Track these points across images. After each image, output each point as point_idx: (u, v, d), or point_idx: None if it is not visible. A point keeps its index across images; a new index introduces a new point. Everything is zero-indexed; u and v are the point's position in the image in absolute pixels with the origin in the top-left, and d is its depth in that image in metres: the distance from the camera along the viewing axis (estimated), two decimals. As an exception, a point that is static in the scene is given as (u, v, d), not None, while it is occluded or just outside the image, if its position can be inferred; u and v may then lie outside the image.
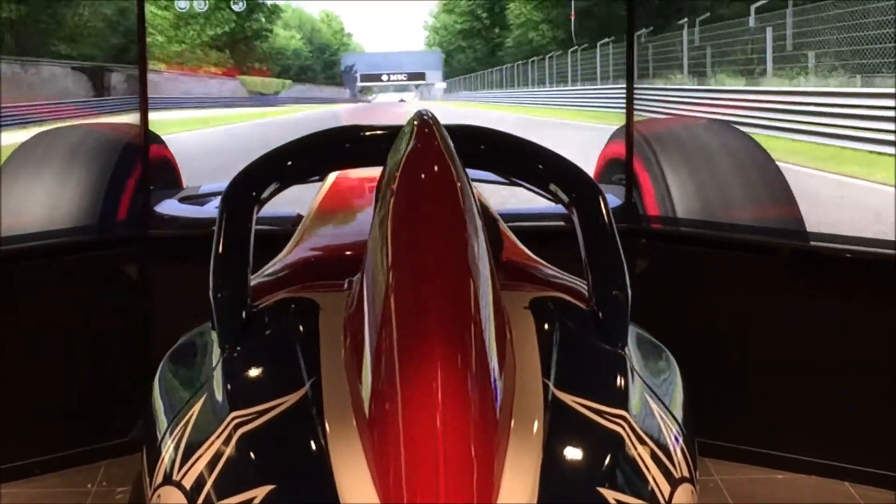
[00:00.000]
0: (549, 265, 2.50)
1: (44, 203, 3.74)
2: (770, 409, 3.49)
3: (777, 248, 3.51)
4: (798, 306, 3.43)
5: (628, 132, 3.87)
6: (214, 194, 4.68)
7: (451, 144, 1.70)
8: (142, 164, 3.85)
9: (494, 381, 1.40)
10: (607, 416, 1.55)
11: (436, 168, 1.63)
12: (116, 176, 3.90)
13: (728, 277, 3.58)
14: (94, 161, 3.92)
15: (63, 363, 3.49)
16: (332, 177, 3.49)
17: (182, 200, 4.43)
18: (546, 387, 1.57)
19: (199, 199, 4.63)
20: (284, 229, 3.10)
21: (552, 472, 1.40)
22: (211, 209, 4.36)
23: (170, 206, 4.17)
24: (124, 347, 3.64)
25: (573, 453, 1.49)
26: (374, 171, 3.29)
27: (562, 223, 3.67)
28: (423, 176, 1.63)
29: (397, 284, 1.47)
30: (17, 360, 3.40)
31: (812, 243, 3.46)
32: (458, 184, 1.60)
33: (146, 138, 3.82)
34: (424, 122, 1.76)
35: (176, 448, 1.59)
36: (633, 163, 3.89)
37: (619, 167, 3.98)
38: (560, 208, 3.96)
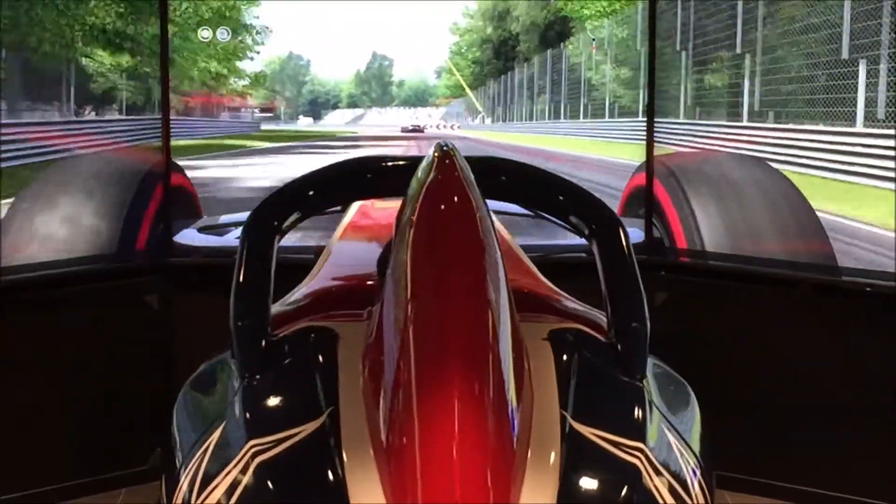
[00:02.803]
0: (568, 296, 2.50)
1: (64, 230, 3.78)
2: (792, 442, 3.47)
3: (799, 281, 3.51)
4: (820, 340, 3.41)
5: (648, 165, 3.88)
6: (233, 224, 4.72)
7: (472, 176, 1.71)
8: (163, 193, 3.88)
9: (512, 411, 1.40)
10: (624, 449, 1.54)
11: (455, 199, 1.63)
12: (137, 204, 3.95)
13: (749, 310, 3.57)
14: (114, 189, 3.96)
15: (82, 390, 3.50)
16: (354, 207, 3.51)
17: (201, 230, 4.47)
18: (563, 418, 1.56)
19: (218, 229, 4.67)
20: (307, 258, 3.11)
21: (569, 499, 1.39)
22: (230, 239, 4.40)
23: (188, 236, 4.21)
24: (143, 375, 3.65)
25: (590, 485, 1.48)
26: (398, 203, 3.31)
27: (583, 255, 3.69)
28: (442, 207, 1.63)
29: (415, 315, 1.48)
30: (36, 388, 3.42)
31: (834, 277, 3.45)
32: (478, 214, 1.61)
33: (168, 166, 3.86)
34: (445, 153, 1.77)
35: (194, 476, 1.59)
36: (661, 196, 3.90)
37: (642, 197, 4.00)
38: (581, 241, 3.99)
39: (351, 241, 3.13)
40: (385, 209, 3.42)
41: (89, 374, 3.51)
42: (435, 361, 1.38)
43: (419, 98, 23.51)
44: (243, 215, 4.98)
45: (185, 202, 4.65)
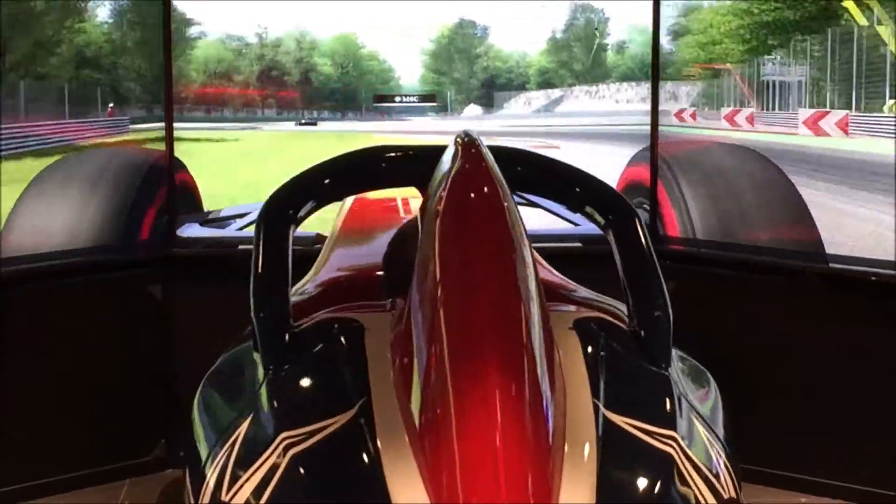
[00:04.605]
0: (579, 286, 2.50)
1: (69, 222, 3.79)
2: (792, 431, 3.47)
3: (798, 270, 3.51)
4: (819, 329, 3.42)
5: (653, 156, 3.87)
6: (236, 217, 4.72)
7: (496, 165, 1.71)
8: (167, 186, 3.88)
9: (547, 404, 1.40)
10: (658, 437, 1.54)
11: (486, 189, 1.62)
12: (140, 197, 3.95)
13: (748, 299, 3.58)
14: (118, 182, 3.97)
15: (86, 381, 3.50)
16: (350, 198, 3.49)
17: (203, 223, 4.48)
18: (596, 408, 1.56)
19: (221, 221, 4.67)
20: (307, 249, 3.11)
21: (608, 493, 1.39)
22: (232, 231, 4.40)
23: (191, 230, 4.21)
24: (147, 366, 3.65)
25: (628, 475, 1.48)
26: (393, 192, 3.30)
27: (579, 245, 3.69)
28: (472, 195, 1.63)
29: (448, 308, 1.47)
30: (40, 378, 3.42)
31: (834, 265, 3.45)
32: (506, 204, 1.61)
33: (171, 160, 3.86)
34: (470, 142, 1.77)
35: (223, 469, 1.58)
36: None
37: (638, 190, 3.99)
38: (582, 230, 3.97)
39: (354, 231, 3.11)
40: (382, 198, 3.41)
41: (93, 364, 3.51)
42: (471, 355, 1.38)
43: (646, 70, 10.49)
44: (244, 207, 4.98)
45: (187, 197, 4.66)
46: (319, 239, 3.23)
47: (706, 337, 3.47)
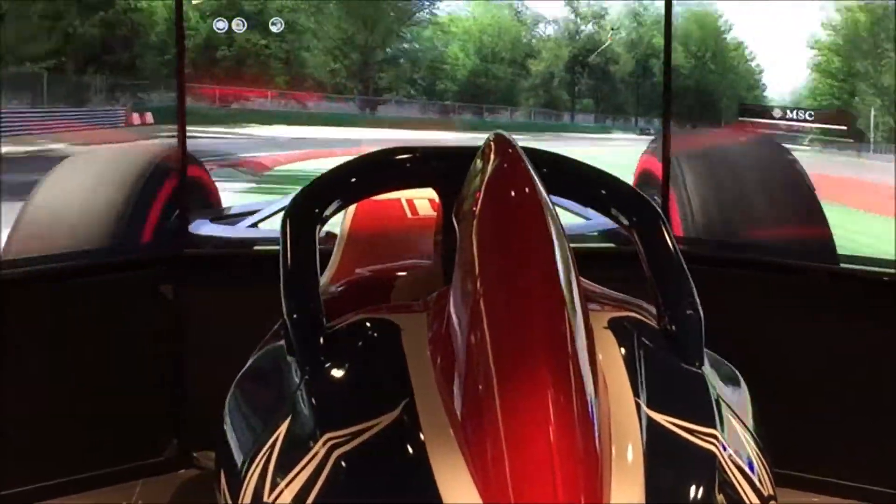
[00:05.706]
0: (597, 285, 2.51)
1: (77, 222, 3.81)
2: (803, 432, 3.46)
3: (808, 269, 3.49)
4: (828, 328, 3.41)
5: (665, 150, 3.86)
6: (246, 214, 4.73)
7: (531, 164, 1.72)
8: (179, 184, 3.89)
9: (592, 404, 1.41)
10: (700, 436, 1.56)
11: (526, 189, 1.64)
12: (150, 196, 3.97)
13: (756, 299, 3.56)
14: (127, 181, 3.99)
15: (99, 381, 3.50)
16: None
17: (214, 220, 4.49)
18: (638, 406, 1.57)
19: (231, 219, 4.68)
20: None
21: (657, 494, 1.41)
22: (242, 228, 4.40)
23: (202, 227, 4.22)
24: (158, 365, 3.65)
25: (674, 475, 1.50)
26: (398, 193, 3.28)
27: (593, 245, 3.69)
28: (512, 195, 1.64)
29: (494, 307, 1.48)
30: (52, 379, 3.42)
31: (844, 265, 3.44)
32: (545, 203, 1.63)
33: (184, 158, 3.86)
34: (506, 142, 1.78)
35: (263, 472, 1.57)
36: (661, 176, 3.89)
37: (650, 184, 3.99)
38: (591, 226, 3.96)
39: (364, 232, 3.11)
40: (386, 198, 3.42)
41: (105, 364, 3.52)
42: (518, 355, 1.39)
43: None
44: (255, 205, 4.99)
45: (201, 193, 4.68)
46: (329, 239, 3.24)
47: (715, 336, 3.47)
